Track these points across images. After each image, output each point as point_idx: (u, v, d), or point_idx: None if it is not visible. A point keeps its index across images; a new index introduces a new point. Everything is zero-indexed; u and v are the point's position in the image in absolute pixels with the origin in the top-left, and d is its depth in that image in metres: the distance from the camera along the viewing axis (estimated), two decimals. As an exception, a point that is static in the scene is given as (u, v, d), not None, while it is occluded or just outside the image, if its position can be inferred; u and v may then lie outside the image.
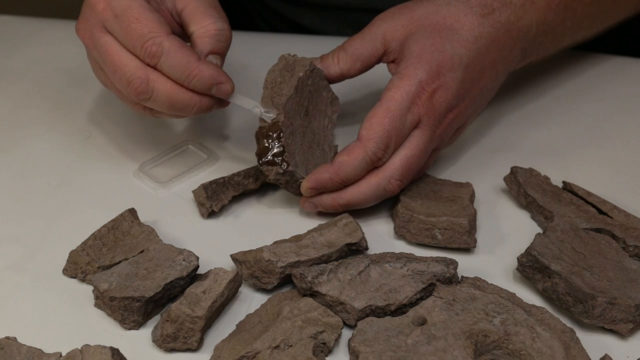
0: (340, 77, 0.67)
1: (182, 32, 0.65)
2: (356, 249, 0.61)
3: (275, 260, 0.58)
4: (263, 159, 0.62)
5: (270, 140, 0.62)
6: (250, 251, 0.59)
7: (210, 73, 0.60)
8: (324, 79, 0.67)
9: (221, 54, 0.63)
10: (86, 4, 0.63)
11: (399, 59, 0.65)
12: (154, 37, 0.59)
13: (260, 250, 0.59)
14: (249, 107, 0.63)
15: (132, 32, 0.59)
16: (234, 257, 0.60)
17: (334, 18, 0.90)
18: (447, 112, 0.65)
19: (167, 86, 0.61)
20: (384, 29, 0.66)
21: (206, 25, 0.62)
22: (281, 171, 0.62)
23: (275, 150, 0.62)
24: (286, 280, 0.59)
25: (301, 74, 0.64)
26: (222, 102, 0.64)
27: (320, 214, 0.66)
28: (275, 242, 0.61)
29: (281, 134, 0.62)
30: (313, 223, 0.64)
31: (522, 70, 0.78)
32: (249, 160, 0.71)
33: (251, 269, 0.59)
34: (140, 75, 0.60)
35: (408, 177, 0.64)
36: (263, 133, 0.62)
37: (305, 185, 0.63)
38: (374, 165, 0.62)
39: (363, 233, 0.61)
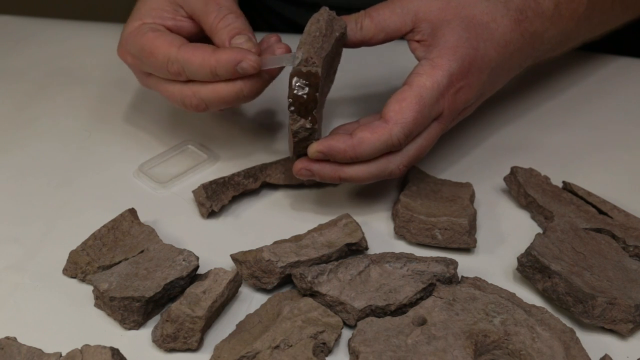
0: (360, 44, 0.65)
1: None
2: (356, 249, 0.61)
3: (275, 260, 0.58)
4: (293, 108, 0.59)
5: (307, 91, 0.59)
6: (250, 251, 0.59)
7: (226, 57, 0.60)
8: (343, 46, 0.65)
9: (241, 32, 0.63)
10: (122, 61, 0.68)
11: (430, 42, 0.63)
12: (169, 59, 0.62)
13: (260, 250, 0.59)
14: (288, 64, 0.61)
15: (154, 67, 0.63)
16: (234, 257, 0.60)
17: None
18: (463, 110, 0.65)
19: (210, 89, 0.62)
20: (418, 5, 0.63)
21: (212, 20, 0.63)
22: (308, 126, 0.59)
23: (309, 103, 0.59)
24: (286, 280, 0.59)
25: (337, 34, 0.62)
26: (270, 70, 0.63)
27: (321, 211, 0.66)
28: (275, 242, 0.61)
29: (318, 87, 0.59)
30: (313, 223, 0.64)
31: (522, 71, 0.78)
32: (249, 160, 0.71)
33: (251, 268, 0.59)
34: (187, 93, 0.63)
35: (413, 164, 0.64)
36: (300, 80, 0.59)
37: (316, 147, 0.60)
38: (392, 149, 0.61)
39: (363, 233, 0.61)
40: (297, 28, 0.94)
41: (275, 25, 0.98)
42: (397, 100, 0.61)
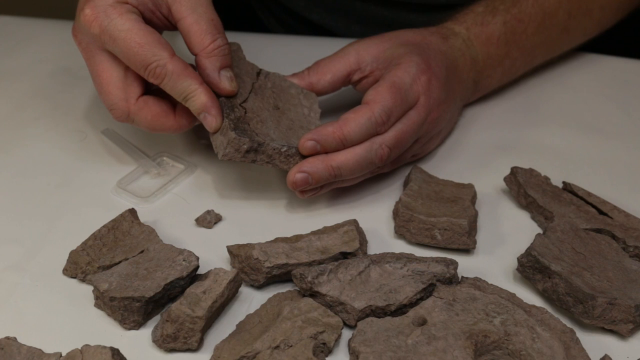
0: (310, 88, 0.70)
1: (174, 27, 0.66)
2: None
3: (264, 260, 0.58)
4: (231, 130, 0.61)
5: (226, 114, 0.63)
6: (244, 245, 0.59)
7: (205, 100, 0.62)
8: (287, 80, 0.69)
9: (230, 66, 0.65)
10: (79, 22, 0.63)
11: (381, 68, 0.68)
12: (158, 61, 0.61)
13: (252, 247, 0.59)
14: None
15: (135, 57, 0.61)
16: (230, 249, 0.60)
17: (342, 11, 0.91)
18: (439, 102, 0.67)
19: (148, 119, 0.64)
20: (357, 46, 0.69)
21: (208, 45, 0.63)
22: (246, 146, 0.61)
23: (236, 115, 0.63)
24: (276, 279, 0.59)
25: (254, 81, 0.68)
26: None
27: (321, 212, 0.66)
28: (276, 239, 0.61)
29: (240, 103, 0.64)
30: (313, 224, 0.64)
31: (522, 72, 0.78)
32: (227, 169, 0.70)
33: (242, 263, 0.59)
34: (121, 107, 0.64)
35: (397, 150, 0.65)
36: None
37: (305, 137, 0.62)
38: (375, 130, 0.63)
39: (361, 242, 0.60)
40: (307, 23, 0.94)
41: (285, 20, 0.98)
42: (373, 88, 0.65)
